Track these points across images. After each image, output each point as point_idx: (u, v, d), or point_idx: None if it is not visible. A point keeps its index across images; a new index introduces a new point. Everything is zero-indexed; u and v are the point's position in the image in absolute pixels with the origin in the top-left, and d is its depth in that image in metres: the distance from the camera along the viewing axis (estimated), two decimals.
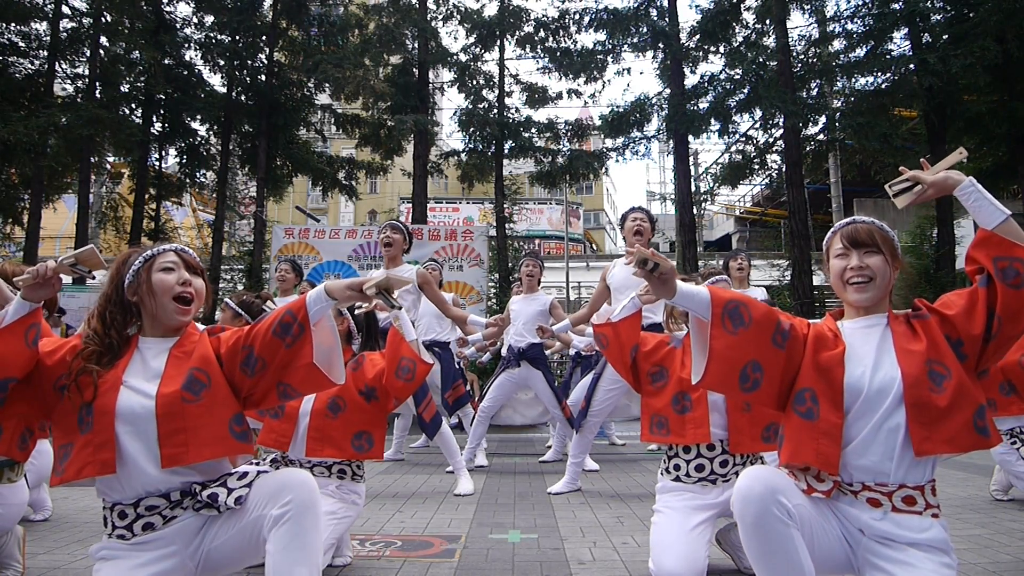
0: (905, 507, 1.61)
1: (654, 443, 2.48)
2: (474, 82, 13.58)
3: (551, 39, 13.48)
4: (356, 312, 2.71)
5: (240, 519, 1.64)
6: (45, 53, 12.15)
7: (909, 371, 1.61)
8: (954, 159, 1.70)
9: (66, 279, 1.99)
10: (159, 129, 13.72)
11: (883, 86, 12.03)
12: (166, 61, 12.65)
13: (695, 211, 13.35)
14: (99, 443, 1.62)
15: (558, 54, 13.31)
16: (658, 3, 12.49)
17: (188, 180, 15.03)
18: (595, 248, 31.71)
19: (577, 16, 13.20)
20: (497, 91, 13.57)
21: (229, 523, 1.66)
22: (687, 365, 2.56)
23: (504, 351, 5.12)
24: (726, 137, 13.33)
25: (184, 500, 1.67)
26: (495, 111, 13.44)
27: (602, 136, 13.70)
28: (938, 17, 11.77)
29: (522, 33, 13.42)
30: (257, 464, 2.55)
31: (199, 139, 14.29)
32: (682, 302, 1.72)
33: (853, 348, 1.70)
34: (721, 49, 12.53)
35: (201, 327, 1.87)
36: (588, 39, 35.28)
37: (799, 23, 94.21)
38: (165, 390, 1.65)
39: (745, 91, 12.21)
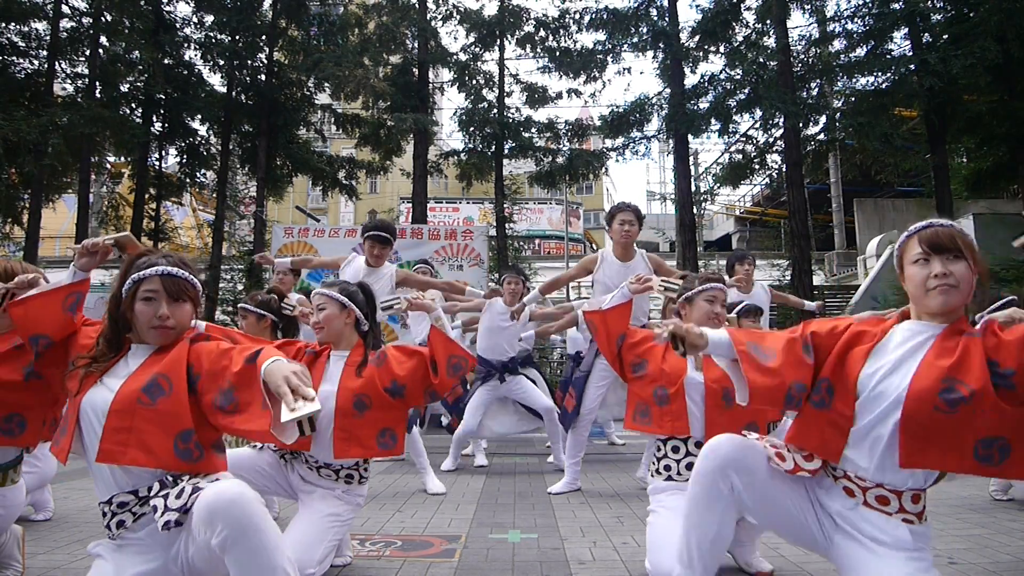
0: (876, 505, 1.63)
1: (636, 432, 2.49)
2: (474, 82, 13.54)
3: (551, 39, 13.44)
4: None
5: (195, 539, 1.59)
6: (45, 53, 12.12)
7: (918, 384, 1.56)
8: None
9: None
10: (159, 129, 13.69)
11: (883, 86, 12.01)
12: (166, 61, 12.63)
13: (695, 211, 13.34)
14: (61, 428, 1.74)
15: (558, 54, 13.28)
16: (658, 3, 12.47)
17: (188, 180, 15.01)
18: (595, 248, 31.66)
19: (577, 16, 13.19)
20: (497, 91, 13.53)
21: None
22: (668, 360, 2.61)
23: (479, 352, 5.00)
24: (726, 137, 13.34)
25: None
26: (495, 111, 13.40)
27: (602, 136, 13.69)
28: (938, 17, 11.77)
29: (522, 33, 13.38)
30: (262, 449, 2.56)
31: (199, 139, 14.27)
32: (714, 350, 1.79)
33: (885, 347, 1.67)
34: (721, 49, 12.51)
35: (201, 325, 1.88)
36: (588, 39, 35.13)
37: (799, 23, 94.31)
38: (126, 388, 1.68)
39: (745, 91, 12.20)
